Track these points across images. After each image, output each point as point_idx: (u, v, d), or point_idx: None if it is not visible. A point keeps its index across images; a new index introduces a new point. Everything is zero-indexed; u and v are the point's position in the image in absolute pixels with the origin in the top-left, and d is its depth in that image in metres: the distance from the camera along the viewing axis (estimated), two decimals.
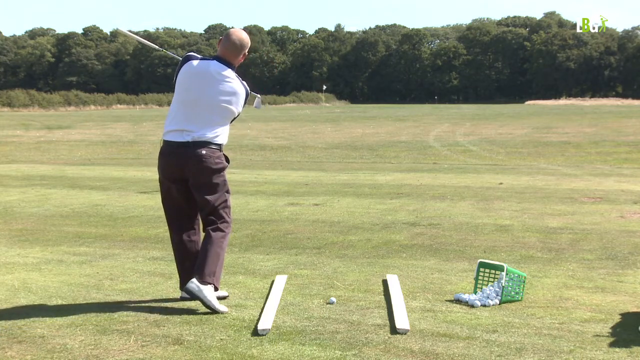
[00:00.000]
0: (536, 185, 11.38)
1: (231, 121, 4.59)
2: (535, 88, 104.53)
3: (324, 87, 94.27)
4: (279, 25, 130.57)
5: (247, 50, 4.54)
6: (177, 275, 4.64)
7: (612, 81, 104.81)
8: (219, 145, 4.44)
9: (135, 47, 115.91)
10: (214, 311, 4.17)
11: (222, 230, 4.41)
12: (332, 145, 23.61)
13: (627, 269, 5.41)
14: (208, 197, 4.40)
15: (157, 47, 5.42)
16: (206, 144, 4.36)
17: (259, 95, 5.22)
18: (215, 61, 4.43)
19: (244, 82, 4.54)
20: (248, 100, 4.63)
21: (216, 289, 4.30)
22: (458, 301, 4.45)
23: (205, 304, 4.17)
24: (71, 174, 14.24)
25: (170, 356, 3.46)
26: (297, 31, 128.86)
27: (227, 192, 4.51)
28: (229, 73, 4.42)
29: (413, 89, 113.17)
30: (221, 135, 4.46)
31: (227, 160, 4.53)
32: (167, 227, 4.73)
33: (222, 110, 4.42)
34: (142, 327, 3.91)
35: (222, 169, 4.46)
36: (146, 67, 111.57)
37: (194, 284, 4.18)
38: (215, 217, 4.42)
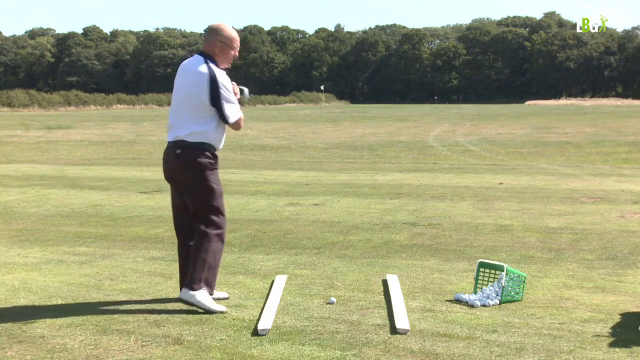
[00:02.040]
0: (536, 185, 11.38)
1: (230, 117, 4.27)
2: (535, 88, 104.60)
3: (322, 87, 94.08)
4: (279, 25, 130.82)
5: (224, 40, 4.32)
6: (177, 275, 4.64)
7: (612, 81, 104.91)
8: (197, 143, 4.23)
9: (135, 47, 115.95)
10: (212, 312, 4.17)
11: (205, 234, 4.27)
12: (332, 145, 23.60)
13: (627, 269, 5.41)
14: (187, 199, 4.33)
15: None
16: (182, 142, 4.26)
17: (245, 88, 4.96)
18: (196, 55, 4.38)
19: (213, 68, 4.23)
20: (240, 98, 4.50)
21: (211, 292, 4.30)
22: (458, 301, 4.45)
23: (201, 308, 4.18)
24: (71, 174, 14.24)
25: (170, 356, 3.46)
26: (297, 31, 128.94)
27: (210, 191, 4.29)
28: (202, 65, 4.24)
29: (413, 89, 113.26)
30: (198, 133, 4.23)
31: (213, 158, 4.31)
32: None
33: (192, 106, 4.23)
34: (142, 327, 3.91)
35: (199, 169, 4.25)
36: (146, 67, 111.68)
37: (184, 293, 4.20)
38: (198, 220, 4.30)
